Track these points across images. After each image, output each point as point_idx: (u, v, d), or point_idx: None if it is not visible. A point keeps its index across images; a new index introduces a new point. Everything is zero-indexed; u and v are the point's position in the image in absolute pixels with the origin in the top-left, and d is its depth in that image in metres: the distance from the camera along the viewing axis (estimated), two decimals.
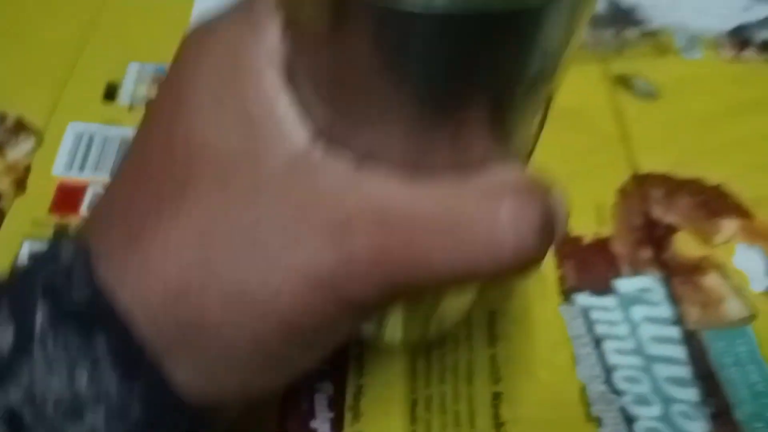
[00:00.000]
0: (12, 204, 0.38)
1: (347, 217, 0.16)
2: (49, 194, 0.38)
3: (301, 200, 0.16)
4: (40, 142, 0.40)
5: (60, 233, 0.19)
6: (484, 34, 0.14)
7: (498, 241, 0.15)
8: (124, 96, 0.43)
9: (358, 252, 0.16)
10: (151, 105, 0.19)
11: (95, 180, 0.39)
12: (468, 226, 0.16)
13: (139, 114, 0.42)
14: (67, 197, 0.38)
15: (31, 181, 0.39)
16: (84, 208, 0.37)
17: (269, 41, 0.17)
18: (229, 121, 0.17)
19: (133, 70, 0.44)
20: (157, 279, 0.17)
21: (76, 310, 0.17)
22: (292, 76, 0.17)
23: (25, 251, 0.36)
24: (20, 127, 0.41)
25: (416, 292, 0.18)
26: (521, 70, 0.15)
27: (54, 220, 0.37)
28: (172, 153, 0.18)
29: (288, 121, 0.16)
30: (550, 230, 0.16)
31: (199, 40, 0.19)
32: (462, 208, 0.16)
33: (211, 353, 0.17)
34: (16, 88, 0.43)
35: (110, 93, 0.43)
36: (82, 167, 0.39)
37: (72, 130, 0.41)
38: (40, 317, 0.17)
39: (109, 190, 0.20)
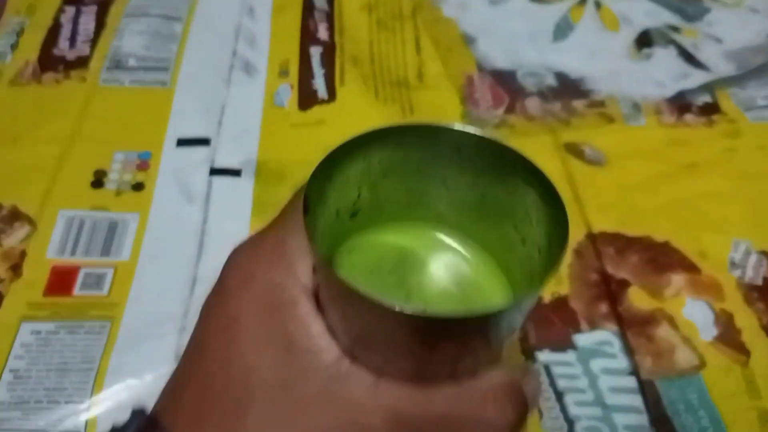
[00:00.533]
0: (9, 288, 0.40)
1: (371, 421, 0.21)
2: (43, 277, 0.41)
3: (335, 410, 0.21)
4: (34, 229, 0.43)
5: (136, 414, 0.23)
6: (442, 329, 0.21)
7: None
8: (110, 183, 0.46)
9: None
10: (201, 330, 0.23)
11: (86, 262, 0.41)
12: (465, 421, 0.22)
13: (125, 199, 0.45)
14: (60, 279, 0.40)
15: (27, 266, 0.41)
16: (77, 290, 0.40)
17: (301, 277, 0.22)
18: (274, 348, 0.21)
19: (118, 159, 0.47)
20: None
21: None
22: (321, 307, 0.23)
23: (24, 332, 0.38)
24: (15, 216, 0.43)
25: None
26: (486, 344, 0.23)
27: (49, 301, 0.39)
28: (229, 375, 0.21)
29: (321, 342, 0.22)
30: (524, 411, 0.23)
31: (240, 271, 0.23)
32: (459, 408, 0.22)
33: None
34: (10, 180, 0.46)
35: (98, 181, 0.46)
36: (73, 251, 0.42)
37: (63, 217, 0.44)
38: None
39: (177, 394, 0.23)
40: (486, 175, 0.26)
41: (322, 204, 0.23)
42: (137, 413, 0.22)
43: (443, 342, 0.22)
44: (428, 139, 0.26)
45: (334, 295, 0.22)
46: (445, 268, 0.28)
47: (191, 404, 0.22)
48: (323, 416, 0.21)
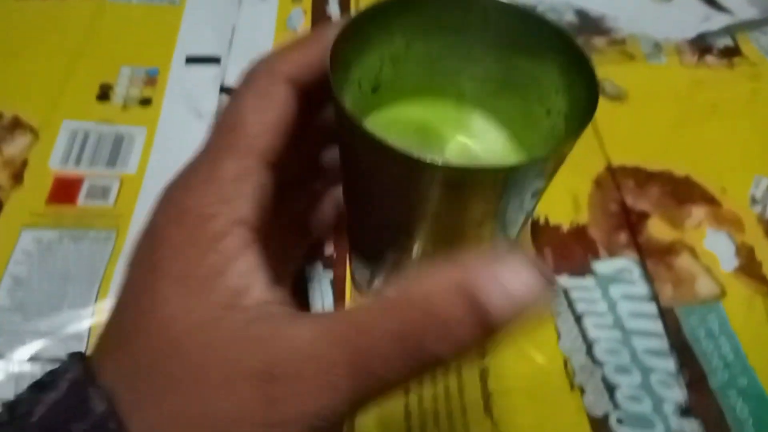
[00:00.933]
0: (10, 195, 0.39)
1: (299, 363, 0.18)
2: (46, 186, 0.39)
3: (254, 354, 0.18)
4: (36, 138, 0.41)
5: (73, 360, 0.20)
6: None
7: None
8: (117, 97, 0.44)
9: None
10: (128, 276, 0.21)
11: (91, 173, 0.40)
12: (423, 334, 0.17)
13: (132, 113, 0.43)
14: (64, 188, 0.39)
15: (28, 174, 0.40)
16: (81, 200, 0.39)
17: (236, 208, 0.20)
18: (197, 289, 0.19)
19: (125, 73, 0.46)
20: None
21: None
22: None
23: (25, 240, 0.37)
24: (16, 125, 0.42)
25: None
26: (507, 204, 0.22)
27: (52, 210, 0.38)
28: (151, 327, 0.19)
29: (247, 280, 0.19)
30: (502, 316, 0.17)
31: (171, 206, 0.21)
32: (412, 321, 0.17)
33: None
34: (12, 90, 0.44)
35: (104, 94, 0.44)
36: (78, 161, 0.40)
37: (67, 128, 0.42)
38: None
39: (117, 350, 0.21)
40: (512, 45, 0.25)
41: (344, 72, 0.21)
42: (74, 357, 0.20)
43: (466, 198, 0.21)
44: (453, 8, 0.25)
45: (356, 153, 0.21)
46: (467, 142, 0.27)
47: (116, 361, 0.20)
48: (241, 361, 0.18)
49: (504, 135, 0.29)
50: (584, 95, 0.23)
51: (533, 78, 0.26)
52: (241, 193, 0.20)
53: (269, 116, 0.21)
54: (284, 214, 0.23)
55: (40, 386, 0.19)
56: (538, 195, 0.24)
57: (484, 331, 0.17)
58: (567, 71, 0.24)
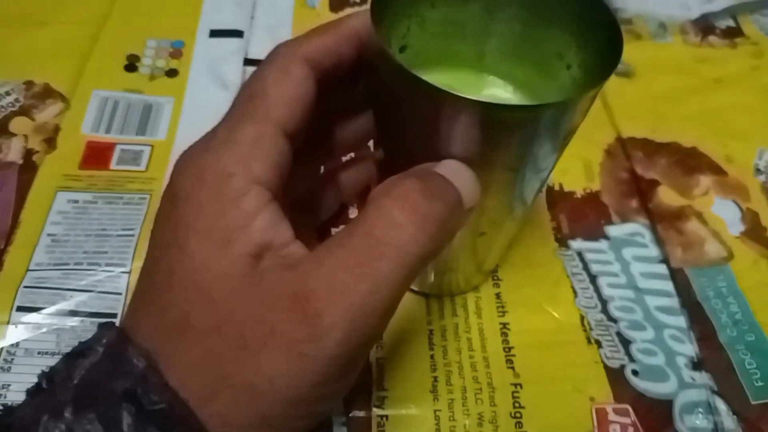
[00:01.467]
0: (44, 159, 0.40)
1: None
2: (78, 151, 0.40)
3: (270, 306, 0.20)
4: (67, 106, 0.43)
5: (106, 328, 0.21)
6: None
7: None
8: (144, 68, 0.46)
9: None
10: (152, 238, 0.22)
11: (122, 140, 0.41)
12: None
13: (159, 83, 0.45)
14: (96, 153, 0.40)
15: (61, 140, 0.41)
16: (113, 164, 0.40)
17: (254, 169, 0.21)
18: (216, 247, 0.20)
19: (151, 45, 0.47)
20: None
21: (156, 410, 0.19)
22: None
23: (60, 201, 0.38)
24: (47, 93, 0.43)
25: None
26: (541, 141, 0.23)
27: (85, 173, 0.39)
28: (175, 284, 0.21)
29: (265, 235, 0.21)
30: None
31: (191, 165, 0.22)
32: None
33: None
34: (42, 59, 0.45)
35: (131, 65, 0.46)
36: (108, 129, 0.42)
37: (96, 96, 0.43)
38: (126, 419, 0.19)
39: (147, 307, 0.22)
40: (532, 2, 0.27)
41: (378, 29, 0.23)
42: (105, 326, 0.21)
43: (500, 137, 0.23)
44: None
45: (400, 96, 0.23)
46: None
47: (148, 321, 0.21)
48: (271, 292, 0.20)
49: (525, 96, 0.31)
50: (607, 44, 0.24)
51: (553, 34, 0.27)
52: (258, 155, 0.21)
53: (288, 89, 0.22)
54: (291, 189, 0.25)
55: (75, 355, 0.20)
56: (565, 140, 0.25)
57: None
58: (586, 23, 0.25)
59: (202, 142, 0.22)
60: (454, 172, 0.23)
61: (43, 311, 0.34)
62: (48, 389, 0.20)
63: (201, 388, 0.20)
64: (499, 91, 0.31)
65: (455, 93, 0.20)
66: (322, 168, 0.30)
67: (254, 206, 0.21)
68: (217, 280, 0.20)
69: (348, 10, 0.51)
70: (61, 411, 0.19)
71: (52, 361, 0.20)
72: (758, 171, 0.44)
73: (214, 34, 0.48)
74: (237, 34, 0.48)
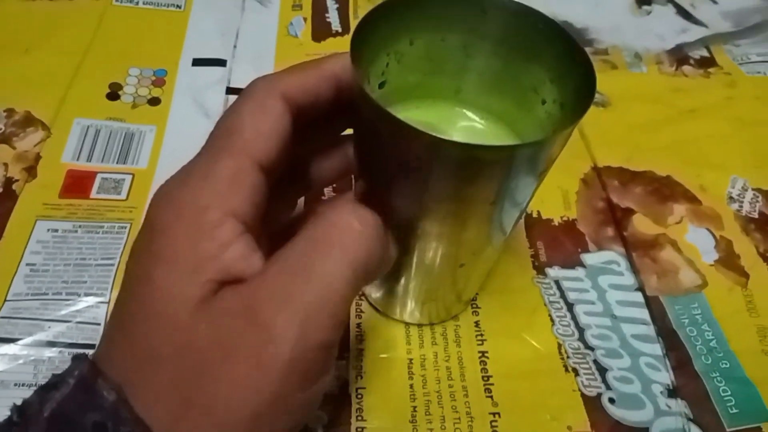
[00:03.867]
0: (24, 188, 0.40)
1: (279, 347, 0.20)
2: (59, 179, 0.40)
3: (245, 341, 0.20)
4: (48, 134, 0.43)
5: (78, 360, 0.22)
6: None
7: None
8: (126, 96, 0.46)
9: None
10: (127, 269, 0.22)
11: (103, 168, 0.41)
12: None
13: (141, 112, 0.45)
14: (77, 182, 0.40)
15: (42, 168, 0.41)
16: (93, 193, 0.40)
17: (231, 201, 0.21)
18: (189, 276, 0.21)
19: (133, 73, 0.47)
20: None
21: None
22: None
23: (39, 229, 0.38)
24: (29, 121, 0.43)
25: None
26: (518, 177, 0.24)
27: (65, 202, 0.39)
28: (149, 316, 0.21)
29: (239, 266, 0.21)
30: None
31: (168, 199, 0.22)
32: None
33: None
34: (24, 87, 0.45)
35: (113, 93, 0.46)
36: (89, 157, 0.42)
37: (78, 125, 0.43)
38: None
39: (117, 339, 0.22)
40: (507, 39, 0.28)
41: (358, 67, 0.23)
42: (78, 359, 0.21)
43: (475, 176, 0.23)
44: (452, 5, 0.27)
45: (378, 135, 0.24)
46: (467, 138, 0.30)
47: (119, 351, 0.21)
48: (212, 333, 0.20)
49: (501, 129, 0.31)
50: (581, 82, 0.25)
51: (528, 70, 0.28)
52: (235, 189, 0.22)
53: (265, 125, 0.23)
54: (269, 222, 0.25)
55: (47, 388, 0.20)
56: (542, 175, 0.26)
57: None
58: (561, 61, 0.26)
59: (179, 175, 0.22)
60: None
61: (20, 342, 0.34)
62: (20, 422, 0.20)
63: (165, 415, 0.20)
64: (476, 124, 0.31)
65: (433, 134, 0.21)
66: (302, 201, 0.30)
67: (227, 237, 0.21)
68: (179, 306, 0.20)
69: (330, 40, 0.52)
70: None
71: (29, 393, 0.20)
72: (731, 199, 0.45)
73: (197, 62, 0.48)
74: (220, 63, 0.48)
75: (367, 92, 0.22)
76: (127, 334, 0.21)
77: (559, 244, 0.42)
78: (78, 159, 0.42)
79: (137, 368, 0.20)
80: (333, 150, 0.28)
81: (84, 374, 0.20)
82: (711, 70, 0.54)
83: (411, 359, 0.36)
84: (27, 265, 0.36)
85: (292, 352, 0.20)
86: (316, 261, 0.21)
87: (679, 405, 0.35)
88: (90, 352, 0.21)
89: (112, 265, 0.37)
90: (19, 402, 0.20)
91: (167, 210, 0.22)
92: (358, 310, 0.37)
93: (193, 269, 0.20)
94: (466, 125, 0.31)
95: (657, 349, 0.37)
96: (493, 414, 0.34)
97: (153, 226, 0.22)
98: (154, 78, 0.47)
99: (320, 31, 0.52)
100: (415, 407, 0.34)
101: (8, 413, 0.20)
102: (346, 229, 0.21)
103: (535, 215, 0.43)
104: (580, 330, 0.37)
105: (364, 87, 0.23)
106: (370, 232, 0.22)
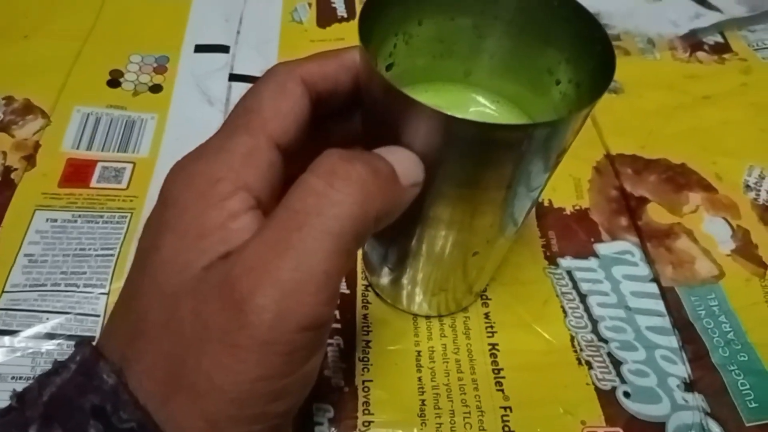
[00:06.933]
0: (23, 177, 0.39)
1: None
2: (58, 168, 0.40)
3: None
4: (48, 122, 0.42)
5: (81, 345, 0.21)
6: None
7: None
8: (127, 83, 0.45)
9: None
10: (138, 246, 0.22)
11: (103, 157, 0.40)
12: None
13: (143, 100, 0.44)
14: (77, 171, 0.39)
15: (41, 157, 0.40)
16: (94, 182, 0.39)
17: (244, 175, 0.21)
18: (190, 238, 0.20)
19: (134, 60, 0.46)
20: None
21: (125, 429, 0.18)
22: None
23: (38, 220, 0.37)
24: (28, 109, 0.42)
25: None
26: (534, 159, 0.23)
27: (65, 192, 0.38)
28: (155, 295, 0.20)
29: (242, 235, 0.20)
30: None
31: (183, 172, 0.22)
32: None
33: None
34: (23, 74, 0.45)
35: (114, 80, 0.45)
36: (89, 146, 0.41)
37: (78, 113, 0.43)
38: None
39: (120, 314, 0.22)
40: (521, 18, 0.27)
41: (366, 47, 0.22)
42: (80, 344, 0.20)
43: (490, 157, 0.22)
44: None
45: (389, 115, 0.23)
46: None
47: (120, 325, 0.21)
48: (193, 305, 0.19)
49: (513, 112, 0.30)
50: (599, 60, 0.24)
51: (542, 50, 0.27)
52: (249, 164, 0.21)
53: (283, 105, 0.22)
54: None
55: (49, 373, 0.20)
56: (557, 159, 0.25)
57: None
58: (578, 39, 0.25)
59: (195, 151, 0.22)
60: (389, 150, 0.22)
61: (19, 334, 0.33)
62: (18, 407, 0.19)
63: (157, 390, 0.19)
64: (487, 108, 0.30)
65: (447, 113, 0.20)
66: None
67: (236, 209, 0.20)
68: (175, 274, 0.19)
69: (336, 26, 0.51)
70: (27, 428, 0.18)
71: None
72: (748, 188, 0.44)
73: (200, 49, 0.47)
74: (223, 49, 0.47)
75: (377, 70, 0.21)
76: (129, 307, 0.20)
77: (571, 233, 0.41)
78: (78, 147, 0.41)
79: (132, 340, 0.20)
80: (353, 143, 0.27)
81: (85, 358, 0.20)
82: (726, 56, 0.53)
83: (419, 351, 0.35)
84: (25, 255, 0.36)
85: (270, 334, 0.18)
86: (291, 233, 0.19)
87: (696, 399, 0.34)
88: (92, 342, 0.21)
89: (112, 255, 0.36)
90: (19, 390, 0.20)
91: (180, 182, 0.21)
92: (365, 300, 0.36)
93: (196, 236, 0.20)
94: (477, 109, 0.30)
95: (673, 341, 0.36)
96: (505, 408, 0.33)
97: (166, 199, 0.21)
98: (155, 65, 0.46)
99: (325, 16, 0.51)
100: (423, 401, 0.33)
101: (8, 401, 0.20)
102: (322, 194, 0.19)
103: (546, 204, 0.42)
104: (594, 322, 0.36)
105: (375, 66, 0.22)
106: (352, 190, 0.20)
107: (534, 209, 0.41)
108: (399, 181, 0.22)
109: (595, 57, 0.24)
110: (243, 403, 0.19)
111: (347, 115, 0.26)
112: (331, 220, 0.19)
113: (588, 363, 0.35)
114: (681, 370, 0.35)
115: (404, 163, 0.22)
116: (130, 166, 0.40)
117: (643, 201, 0.42)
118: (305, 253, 0.19)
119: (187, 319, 0.19)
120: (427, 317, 0.36)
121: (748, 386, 0.34)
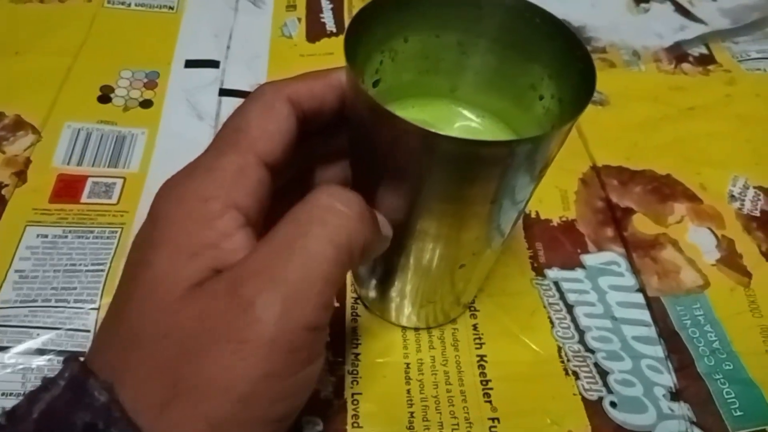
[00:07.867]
0: (14, 192, 0.39)
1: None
2: (49, 184, 0.40)
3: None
4: (38, 138, 0.42)
5: (69, 361, 0.21)
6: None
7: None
8: (117, 99, 0.45)
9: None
10: (125, 266, 0.22)
11: (93, 172, 0.41)
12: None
13: (133, 115, 0.44)
14: (67, 186, 0.40)
15: (32, 172, 0.40)
16: (84, 198, 0.39)
17: (233, 194, 0.22)
18: (184, 256, 0.21)
19: (125, 76, 0.47)
20: None
21: None
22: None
23: (29, 235, 0.37)
24: (19, 125, 0.43)
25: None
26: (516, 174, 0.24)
27: (55, 207, 0.39)
28: (146, 310, 0.20)
29: (237, 255, 0.21)
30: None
31: (172, 192, 0.22)
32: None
33: None
34: (13, 91, 0.45)
35: (104, 96, 0.45)
36: (80, 161, 0.41)
37: (69, 128, 0.43)
38: None
39: (110, 328, 0.22)
40: (505, 35, 0.27)
41: (352, 65, 0.23)
42: (69, 361, 0.21)
43: (474, 173, 0.23)
44: (446, 2, 0.27)
45: (375, 133, 0.23)
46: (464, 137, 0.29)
47: (110, 338, 0.21)
48: (197, 313, 0.20)
49: (498, 127, 0.31)
50: (581, 77, 0.24)
51: (526, 66, 0.28)
52: (238, 183, 0.22)
53: (271, 124, 0.23)
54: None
55: (38, 390, 0.20)
56: (541, 173, 0.25)
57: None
58: (560, 56, 0.26)
59: (184, 170, 0.23)
60: None
61: (9, 350, 0.33)
62: (8, 425, 0.20)
63: (153, 399, 0.19)
64: (473, 123, 0.31)
65: (431, 130, 0.20)
66: None
67: (228, 228, 0.21)
68: (172, 288, 0.20)
69: (325, 41, 0.51)
70: None
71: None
72: (732, 198, 0.44)
73: (190, 64, 0.48)
74: (213, 64, 0.48)
75: (363, 87, 0.22)
76: (120, 319, 0.21)
77: (558, 244, 0.41)
78: (69, 163, 0.41)
79: (124, 352, 0.20)
80: (338, 159, 0.28)
81: (75, 374, 0.20)
82: (710, 67, 0.54)
83: (408, 364, 0.35)
84: (16, 271, 0.36)
85: (276, 331, 0.19)
86: (297, 239, 0.20)
87: (681, 408, 0.34)
88: (81, 358, 0.21)
89: (103, 270, 0.36)
90: (8, 408, 0.20)
91: (170, 201, 0.22)
92: (354, 313, 0.37)
93: (191, 254, 0.20)
94: (463, 124, 0.31)
95: (659, 351, 0.36)
96: (492, 419, 0.33)
97: (156, 216, 0.22)
98: (146, 80, 0.46)
99: (315, 31, 0.52)
100: (412, 413, 0.33)
101: None
102: (328, 208, 0.21)
103: (533, 216, 0.42)
104: (581, 332, 0.37)
105: (360, 84, 0.22)
106: (353, 211, 0.22)
107: (521, 221, 0.41)
108: (380, 226, 0.24)
109: (576, 73, 0.25)
110: (247, 403, 0.19)
111: (333, 131, 0.26)
112: (334, 231, 0.21)
113: (575, 373, 0.35)
114: (667, 379, 0.35)
115: (380, 216, 0.24)
116: (120, 182, 0.40)
117: (629, 212, 0.43)
118: (309, 256, 0.20)
119: (188, 326, 0.20)
120: (416, 329, 0.36)
121: (733, 395, 0.35)
